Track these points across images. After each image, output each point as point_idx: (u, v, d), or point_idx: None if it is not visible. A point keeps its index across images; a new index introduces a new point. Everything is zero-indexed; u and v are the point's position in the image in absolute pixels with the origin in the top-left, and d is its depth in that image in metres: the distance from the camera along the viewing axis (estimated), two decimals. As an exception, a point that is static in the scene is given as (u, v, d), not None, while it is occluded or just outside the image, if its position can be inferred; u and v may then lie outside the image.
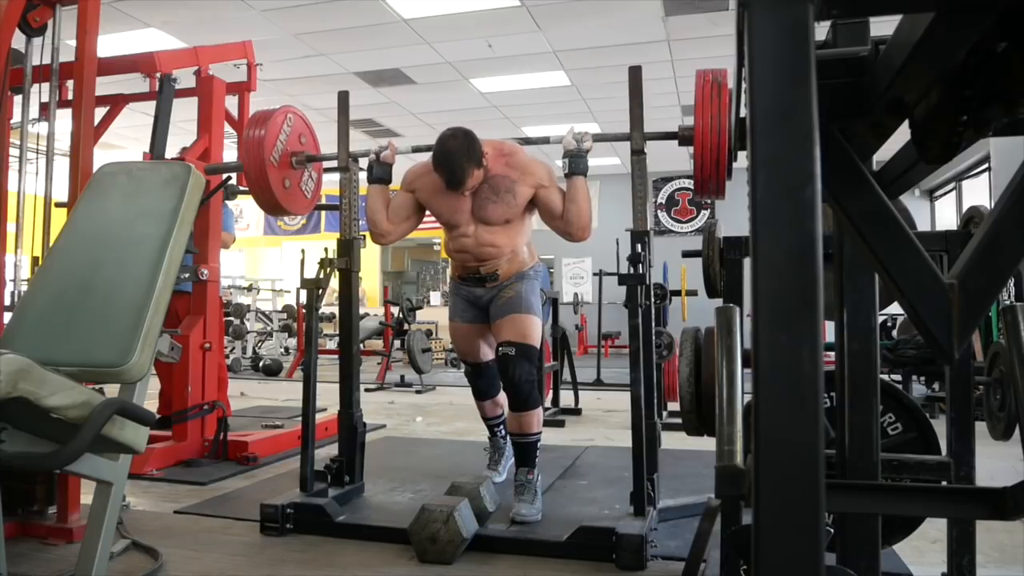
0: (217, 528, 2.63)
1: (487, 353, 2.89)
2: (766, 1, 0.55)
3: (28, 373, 1.28)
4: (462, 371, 3.27)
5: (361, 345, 3.31)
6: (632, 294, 2.46)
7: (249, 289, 11.14)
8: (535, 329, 2.65)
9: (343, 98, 2.96)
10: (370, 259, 13.41)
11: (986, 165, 8.41)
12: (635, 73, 2.57)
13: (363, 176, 2.87)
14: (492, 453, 3.21)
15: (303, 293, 2.92)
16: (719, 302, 2.03)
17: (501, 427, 3.14)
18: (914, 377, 5.45)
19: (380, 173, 2.76)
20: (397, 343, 8.94)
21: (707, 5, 5.91)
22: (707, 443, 1.40)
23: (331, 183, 3.40)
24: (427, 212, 2.79)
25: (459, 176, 2.49)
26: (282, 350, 10.76)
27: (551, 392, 5.36)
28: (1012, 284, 2.75)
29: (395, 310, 9.23)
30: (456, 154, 2.48)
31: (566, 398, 5.54)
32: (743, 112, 0.66)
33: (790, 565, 0.53)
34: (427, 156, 2.65)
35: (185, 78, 3.79)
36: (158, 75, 3.62)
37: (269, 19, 6.14)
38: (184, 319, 3.70)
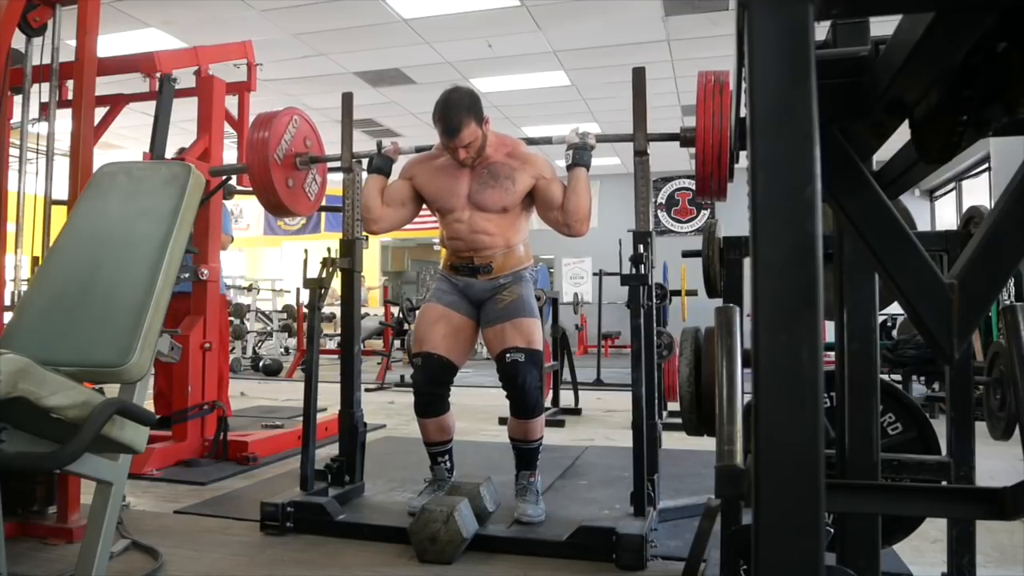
0: (217, 528, 2.63)
1: (443, 348, 2.59)
2: (766, 1, 0.55)
3: (28, 373, 1.28)
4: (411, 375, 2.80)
5: (361, 345, 3.27)
6: (634, 294, 2.46)
7: (249, 289, 11.14)
8: (540, 334, 2.63)
9: (347, 99, 2.95)
10: (369, 260, 13.42)
11: (986, 165, 8.42)
12: (639, 75, 2.57)
13: (365, 176, 2.86)
14: (430, 486, 2.71)
15: (305, 292, 2.90)
16: (719, 302, 2.03)
17: (447, 457, 2.72)
18: (914, 377, 5.45)
19: (379, 164, 2.74)
20: (397, 343, 8.95)
21: (707, 5, 5.91)
22: (707, 443, 1.40)
23: (333, 183, 3.40)
24: (423, 207, 2.77)
25: (455, 123, 2.46)
26: (282, 350, 10.77)
27: (551, 392, 5.36)
28: (1012, 284, 2.76)
29: (395, 310, 9.25)
30: (456, 103, 2.48)
31: (566, 398, 5.54)
32: (743, 112, 0.66)
33: (790, 565, 0.53)
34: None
35: (185, 78, 3.79)
36: (158, 75, 3.62)
37: (269, 19, 6.14)
38: (184, 319, 3.70)
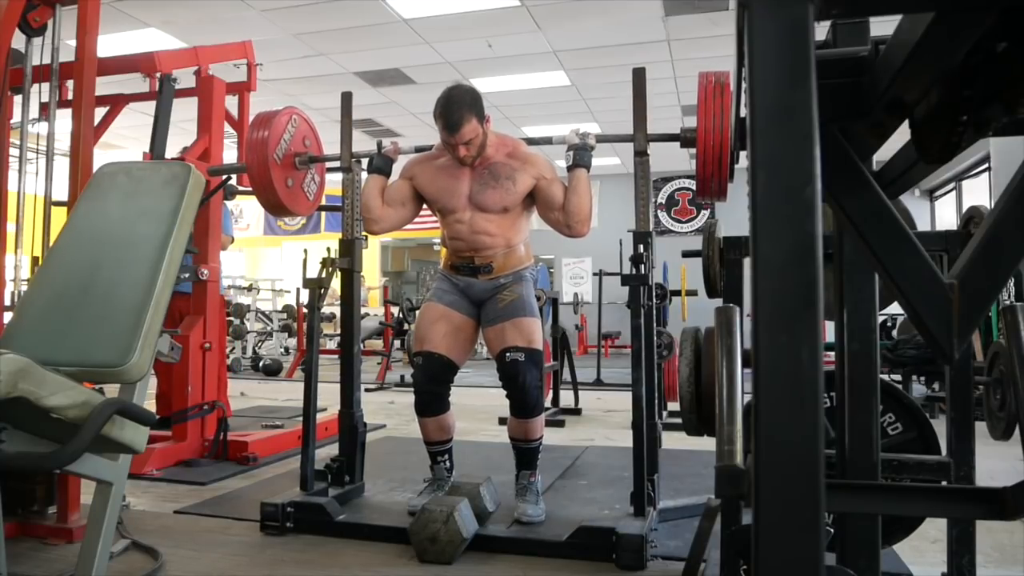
0: (217, 528, 2.63)
1: (444, 347, 2.59)
2: (766, 1, 0.55)
3: (28, 373, 1.28)
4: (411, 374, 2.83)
5: (361, 345, 3.27)
6: (634, 294, 2.46)
7: (249, 289, 11.14)
8: (540, 333, 2.63)
9: (347, 99, 2.95)
10: (369, 260, 13.42)
11: (986, 165, 8.42)
12: (639, 75, 2.57)
13: (365, 176, 2.86)
14: (430, 485, 2.72)
15: (305, 292, 2.90)
16: (719, 302, 2.03)
17: (447, 457, 2.73)
18: (914, 377, 5.45)
19: (380, 164, 2.73)
20: (397, 343, 8.95)
21: (707, 5, 5.91)
22: (707, 443, 1.40)
23: (332, 183, 3.40)
24: (424, 207, 2.76)
25: (456, 119, 2.46)
26: (282, 350, 10.77)
27: (551, 392, 5.36)
28: (1012, 284, 2.76)
29: (395, 310, 9.25)
30: (457, 99, 2.49)
31: (566, 398, 5.54)
32: (743, 112, 0.66)
33: (790, 565, 0.53)
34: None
35: (185, 78, 3.79)
36: (158, 75, 3.62)
37: (269, 19, 6.14)
38: (184, 319, 3.70)
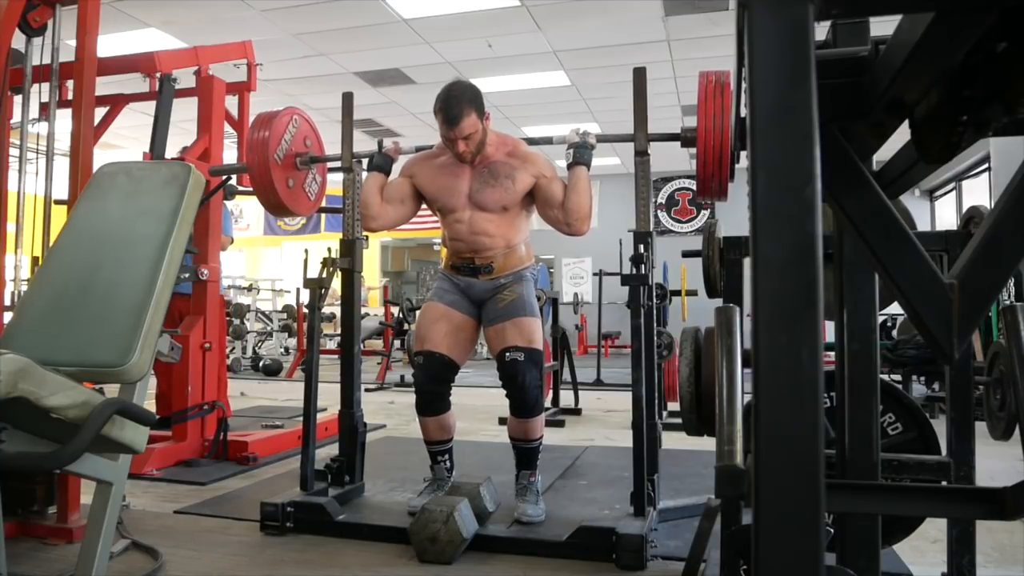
0: (217, 528, 2.63)
1: (445, 346, 2.60)
2: (766, 1, 0.55)
3: (28, 373, 1.28)
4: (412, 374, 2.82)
5: (361, 345, 3.26)
6: (634, 294, 2.46)
7: (249, 289, 11.14)
8: (540, 333, 2.63)
9: (347, 99, 2.95)
10: (369, 260, 13.42)
11: (986, 165, 8.42)
12: (639, 75, 2.57)
13: (365, 174, 2.85)
14: (430, 485, 2.73)
15: (305, 292, 2.90)
16: (719, 302, 2.03)
17: (447, 457, 2.74)
18: (914, 377, 5.45)
19: (380, 162, 2.73)
20: (397, 343, 8.95)
21: (707, 5, 5.91)
22: (707, 443, 1.40)
23: (333, 183, 3.40)
24: (423, 206, 2.76)
25: (456, 112, 2.47)
26: (282, 350, 10.77)
27: (551, 392, 5.36)
28: (1012, 284, 2.76)
29: (395, 310, 9.25)
30: (457, 94, 2.50)
31: (566, 398, 5.54)
32: (743, 112, 0.66)
33: (790, 565, 0.53)
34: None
35: (185, 78, 3.79)
36: (158, 75, 3.62)
37: (269, 19, 6.14)
38: (184, 319, 3.70)
